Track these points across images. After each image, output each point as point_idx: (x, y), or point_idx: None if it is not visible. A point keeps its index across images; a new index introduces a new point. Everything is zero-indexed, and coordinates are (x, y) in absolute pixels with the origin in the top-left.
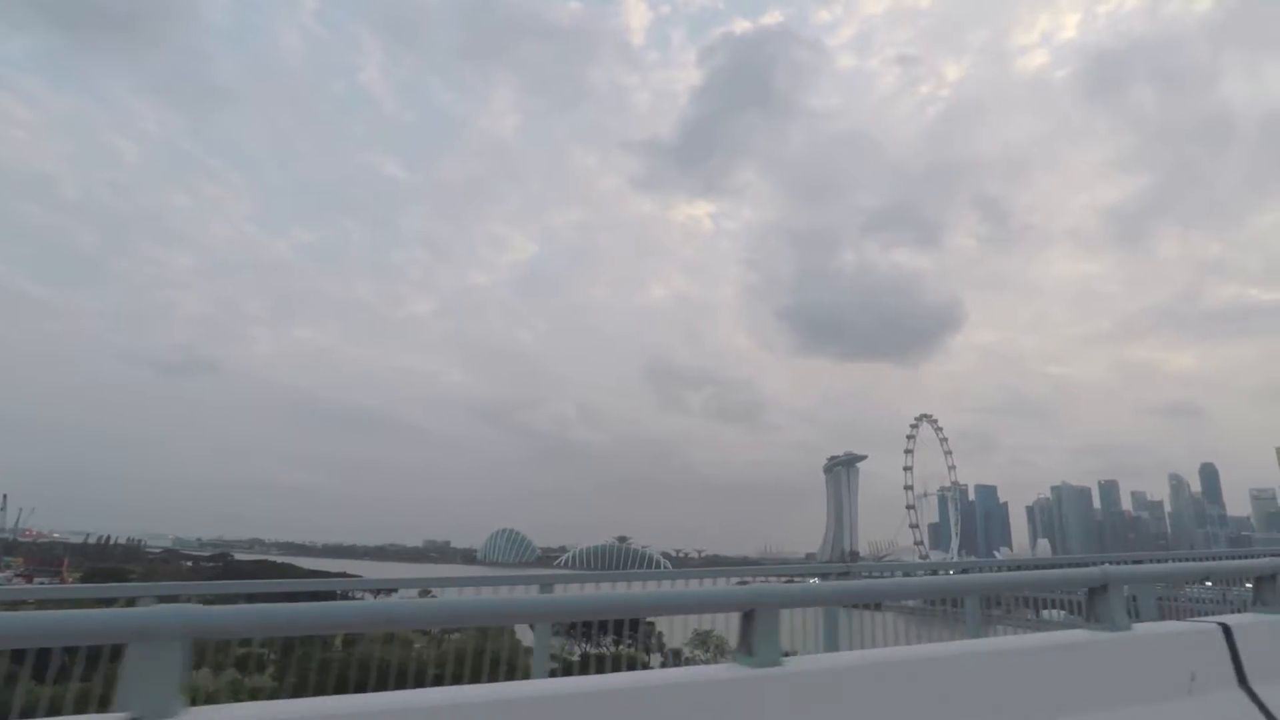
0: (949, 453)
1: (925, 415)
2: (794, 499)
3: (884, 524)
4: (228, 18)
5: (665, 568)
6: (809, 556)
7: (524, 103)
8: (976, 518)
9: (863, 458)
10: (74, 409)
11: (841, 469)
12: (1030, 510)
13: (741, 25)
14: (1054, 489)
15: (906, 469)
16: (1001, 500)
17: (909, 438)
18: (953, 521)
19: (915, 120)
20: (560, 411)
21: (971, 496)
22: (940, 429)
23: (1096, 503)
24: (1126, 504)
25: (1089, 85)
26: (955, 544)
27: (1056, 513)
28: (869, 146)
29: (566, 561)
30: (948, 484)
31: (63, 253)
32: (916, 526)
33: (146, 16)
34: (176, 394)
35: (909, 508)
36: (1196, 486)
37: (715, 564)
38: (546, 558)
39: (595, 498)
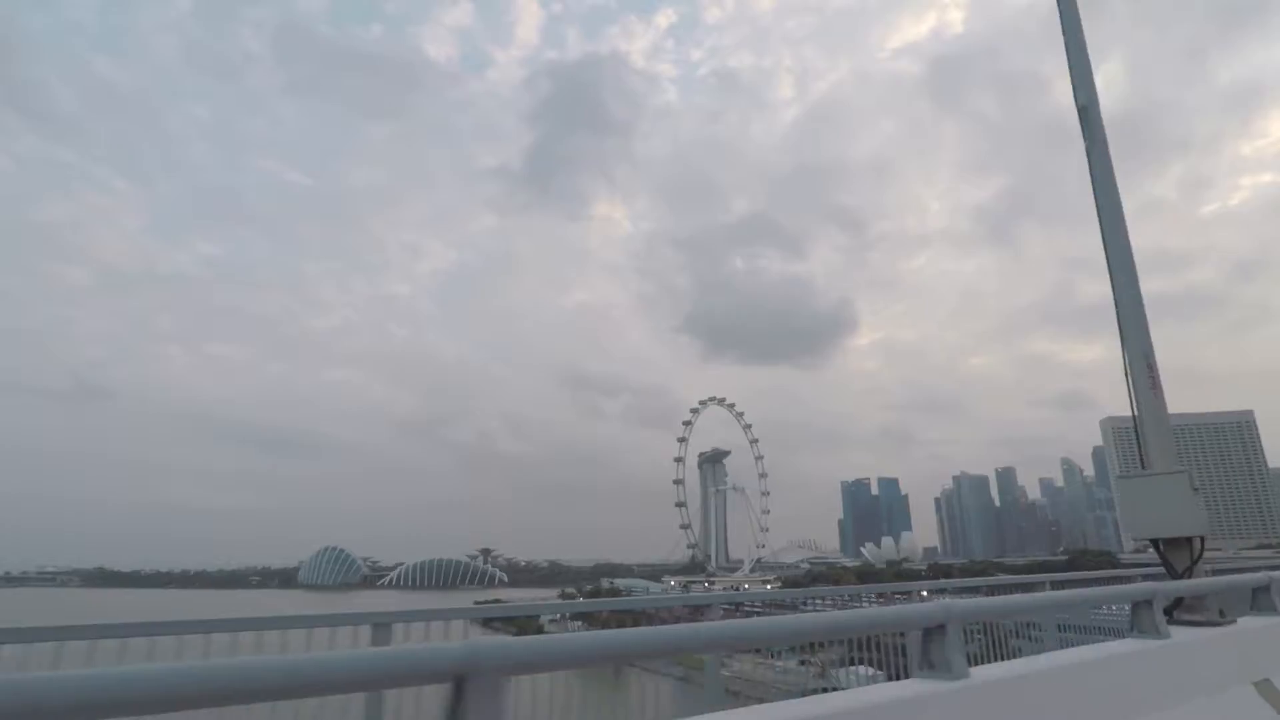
0: (755, 441)
1: (714, 398)
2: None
3: (811, 523)
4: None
5: (502, 580)
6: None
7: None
8: (880, 510)
9: (727, 453)
10: None
11: (708, 466)
12: (937, 501)
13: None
14: (955, 479)
15: (678, 460)
16: (903, 492)
17: (686, 424)
18: (714, 517)
19: (779, 126)
20: (483, 422)
21: (875, 490)
22: (741, 414)
23: (995, 492)
24: (1034, 491)
25: (936, 90)
26: (717, 546)
27: (957, 502)
28: (734, 153)
29: (393, 580)
30: (760, 473)
31: None
32: (688, 527)
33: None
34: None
35: (679, 505)
36: (1090, 471)
37: (559, 570)
38: (373, 576)
39: (521, 507)
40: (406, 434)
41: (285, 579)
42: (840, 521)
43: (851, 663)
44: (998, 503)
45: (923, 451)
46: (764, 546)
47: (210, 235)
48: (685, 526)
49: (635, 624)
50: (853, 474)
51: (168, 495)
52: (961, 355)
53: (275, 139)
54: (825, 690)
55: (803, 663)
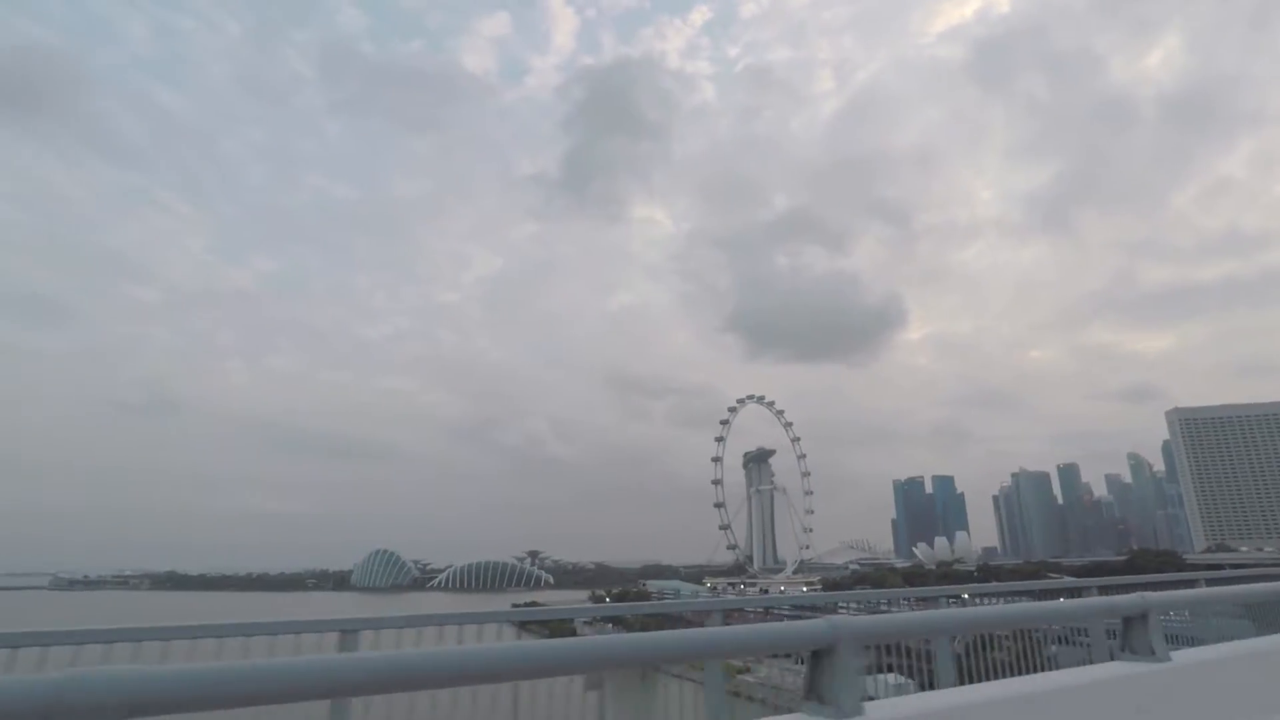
0: (796, 439)
1: (752, 396)
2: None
3: (866, 523)
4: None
5: (548, 583)
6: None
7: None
8: (935, 509)
9: (772, 453)
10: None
11: (754, 466)
12: (995, 499)
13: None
14: (1014, 476)
15: (715, 460)
16: (959, 490)
17: (724, 423)
18: (763, 518)
19: (818, 119)
20: (532, 425)
21: (929, 489)
22: (781, 412)
23: (1057, 489)
24: (1099, 488)
25: (981, 75)
26: (761, 544)
27: (1016, 500)
28: (773, 149)
29: (442, 582)
30: (803, 472)
31: (23, 291)
32: (728, 527)
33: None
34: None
35: (717, 505)
36: (1160, 466)
37: (606, 572)
38: (423, 578)
39: (571, 509)
40: (458, 438)
41: (339, 582)
42: (893, 521)
43: (881, 670)
44: (1060, 500)
45: (980, 448)
46: (808, 548)
47: (267, 252)
48: (725, 527)
49: (660, 628)
50: (906, 472)
51: (233, 502)
52: (1018, 348)
53: (324, 157)
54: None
55: None
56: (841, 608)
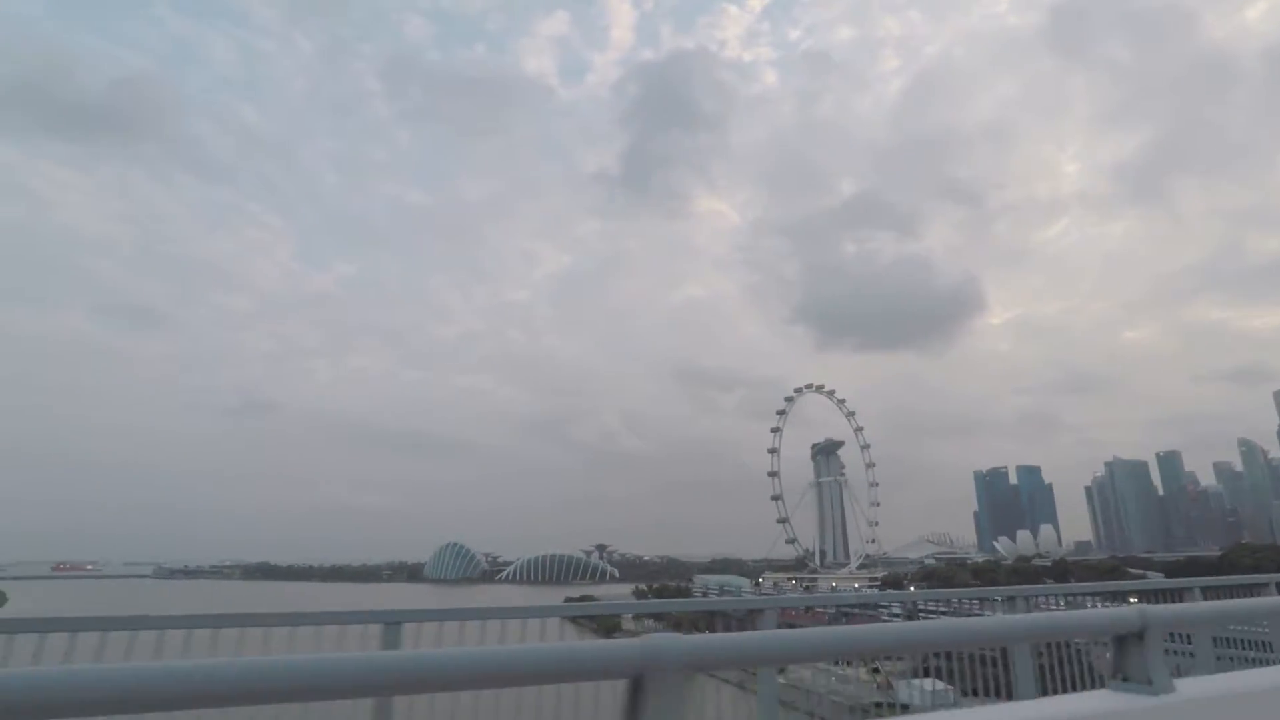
0: (859, 429)
1: (810, 385)
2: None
3: (948, 516)
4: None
5: (613, 576)
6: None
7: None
8: (1021, 500)
9: (840, 444)
10: (143, 450)
11: (822, 458)
12: (1088, 490)
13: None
14: (1107, 465)
15: (772, 451)
16: (1046, 481)
17: (780, 414)
18: (826, 511)
19: (885, 100)
20: (603, 420)
21: (1013, 479)
22: (842, 401)
23: (1157, 478)
24: (1206, 477)
25: (1058, 42)
26: (826, 537)
27: (1111, 491)
28: (838, 133)
29: (510, 575)
30: (868, 464)
31: (133, 303)
32: (786, 521)
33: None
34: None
35: (775, 498)
36: (1277, 453)
37: (675, 566)
38: (491, 571)
39: (642, 503)
40: (530, 434)
41: (413, 573)
42: (975, 514)
43: (922, 674)
44: (1161, 491)
45: (1070, 437)
46: (874, 541)
47: (346, 256)
48: (783, 521)
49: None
50: (990, 463)
51: (321, 497)
52: (1111, 329)
53: (396, 163)
54: (885, 705)
55: (875, 670)
56: (882, 607)
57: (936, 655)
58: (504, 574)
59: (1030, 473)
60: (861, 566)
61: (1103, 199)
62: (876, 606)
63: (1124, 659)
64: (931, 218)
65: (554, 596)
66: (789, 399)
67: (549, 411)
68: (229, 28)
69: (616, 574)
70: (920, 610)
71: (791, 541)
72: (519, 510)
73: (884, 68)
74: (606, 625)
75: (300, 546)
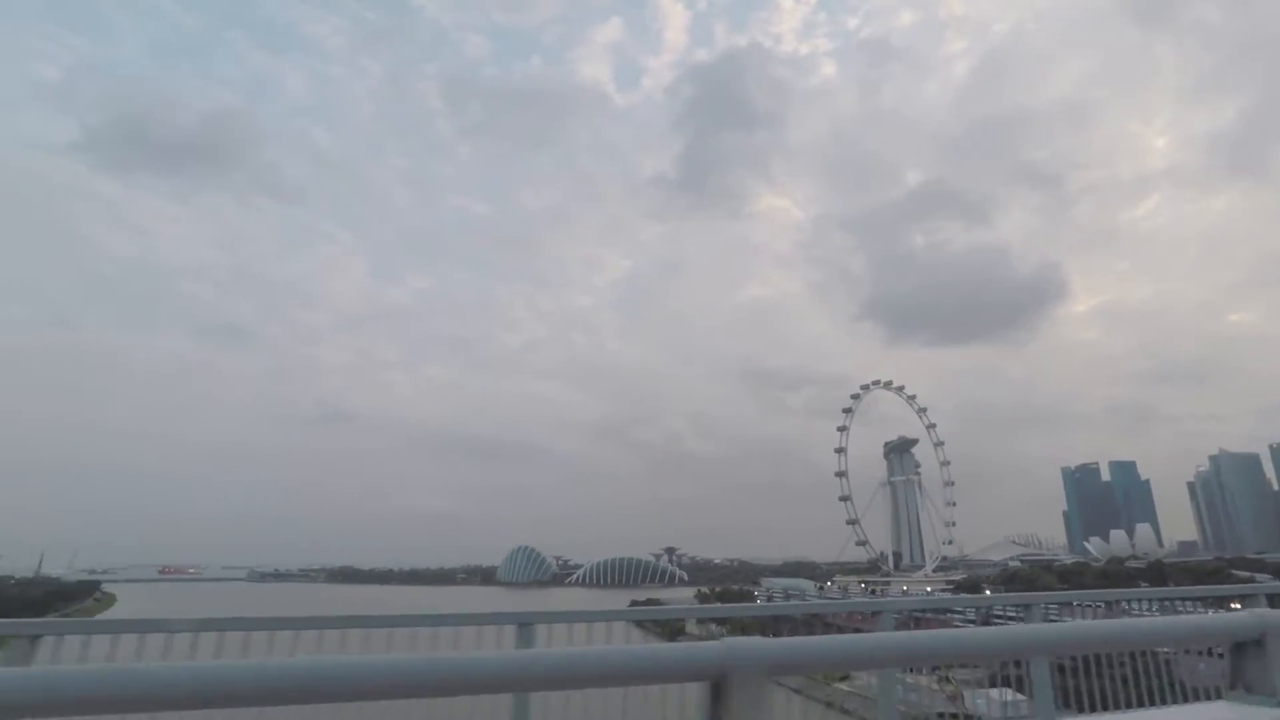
0: (931, 426)
1: (877, 382)
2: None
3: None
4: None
5: (682, 579)
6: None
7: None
8: (1115, 498)
9: (914, 442)
10: (238, 461)
11: (895, 456)
12: (1191, 486)
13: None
14: (1212, 459)
15: (839, 451)
16: (1143, 477)
17: (847, 412)
18: (901, 511)
19: (950, 84)
20: (670, 423)
21: (1105, 476)
22: (913, 398)
23: (1271, 471)
24: None
25: (1139, 9)
26: (902, 539)
27: (1217, 487)
28: (900, 122)
29: (579, 578)
30: (941, 461)
31: (225, 322)
32: (856, 522)
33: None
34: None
35: (843, 499)
36: None
37: (747, 569)
38: (561, 574)
39: (712, 506)
40: (598, 438)
41: (486, 577)
42: (1065, 513)
43: (1000, 683)
44: (1276, 485)
45: (1168, 429)
46: (950, 543)
47: (418, 270)
48: (852, 522)
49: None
50: (1079, 459)
51: (400, 503)
52: (1213, 312)
53: (461, 177)
54: (949, 716)
55: (945, 679)
56: (955, 613)
57: (1017, 664)
58: (573, 577)
59: (1124, 468)
60: (938, 569)
61: (1197, 173)
62: (947, 611)
63: (1242, 668)
64: (1005, 204)
65: (621, 600)
66: (855, 396)
67: (616, 415)
68: (302, 58)
69: (685, 577)
70: (995, 616)
71: (862, 543)
72: (588, 514)
73: (949, 50)
74: (670, 629)
75: (380, 551)
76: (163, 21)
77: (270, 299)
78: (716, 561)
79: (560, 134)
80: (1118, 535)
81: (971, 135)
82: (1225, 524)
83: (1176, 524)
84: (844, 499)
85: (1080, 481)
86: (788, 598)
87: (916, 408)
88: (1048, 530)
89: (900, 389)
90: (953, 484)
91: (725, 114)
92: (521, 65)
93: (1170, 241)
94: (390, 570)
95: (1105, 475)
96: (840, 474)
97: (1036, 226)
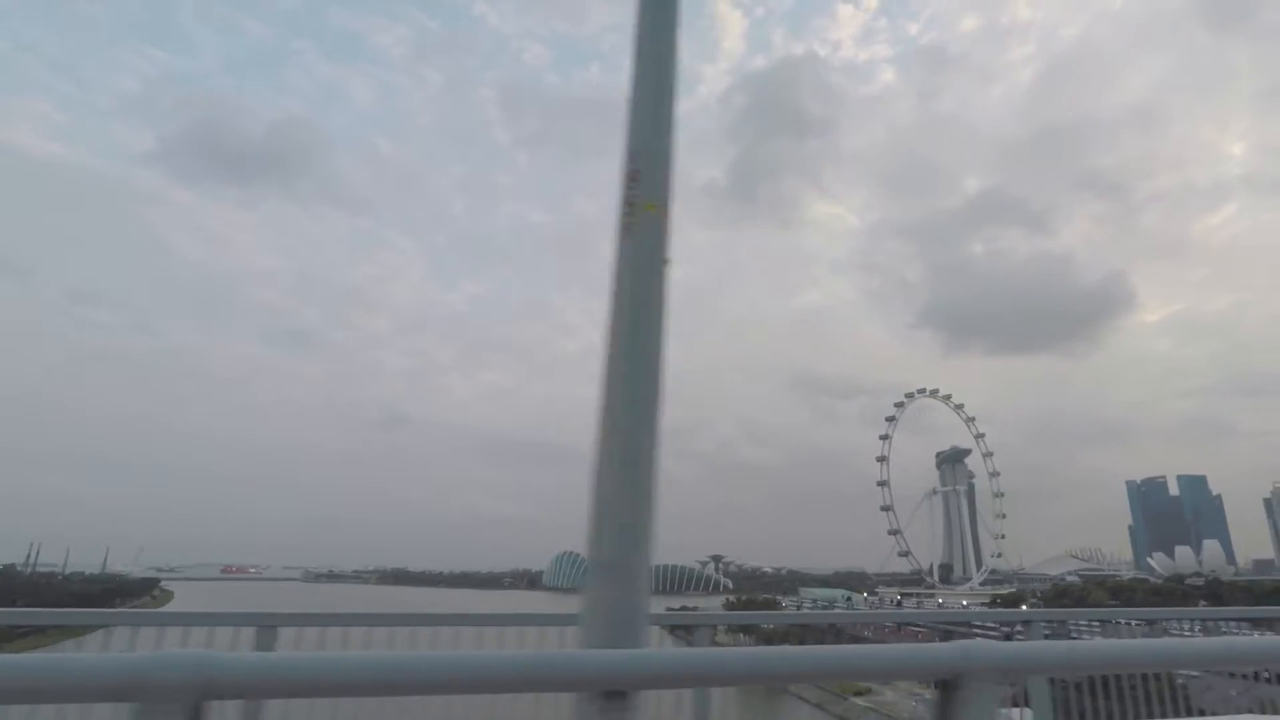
0: (979, 435)
1: (923, 390)
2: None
3: (1101, 530)
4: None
5: (726, 587)
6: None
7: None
8: (1183, 513)
9: (967, 452)
10: (304, 463)
11: (947, 467)
12: (1267, 502)
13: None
14: None
15: (881, 459)
16: (1214, 492)
17: (890, 420)
18: (952, 522)
19: (1014, 90)
20: (723, 430)
21: (1174, 490)
22: (960, 406)
23: None
24: None
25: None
26: (953, 551)
27: None
28: (961, 128)
29: None
30: (991, 473)
31: (291, 327)
32: (898, 533)
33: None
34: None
35: (885, 509)
36: None
37: (795, 578)
38: None
39: (764, 515)
40: None
41: (531, 581)
42: (1130, 528)
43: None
44: None
45: (1245, 444)
46: (999, 555)
47: (475, 276)
48: (895, 532)
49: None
50: (1149, 472)
51: (456, 506)
52: None
53: (517, 185)
54: None
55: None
56: (976, 627)
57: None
58: None
59: (1194, 483)
60: (985, 582)
61: (1276, 182)
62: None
63: None
64: (1069, 211)
65: (658, 607)
66: (899, 405)
67: (669, 421)
68: (367, 67)
69: (730, 585)
70: (1018, 632)
71: (905, 554)
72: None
73: (1013, 56)
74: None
75: (435, 553)
76: (237, 34)
77: (334, 304)
78: (766, 570)
79: (616, 142)
80: (1183, 552)
81: (1034, 142)
82: None
83: (1254, 542)
84: (885, 509)
85: (1146, 495)
86: (822, 607)
87: (964, 416)
88: (1113, 545)
89: (947, 397)
90: (1002, 495)
91: (779, 122)
92: (580, 73)
93: (1248, 250)
94: (440, 573)
95: (1173, 489)
96: (882, 483)
97: (1102, 235)
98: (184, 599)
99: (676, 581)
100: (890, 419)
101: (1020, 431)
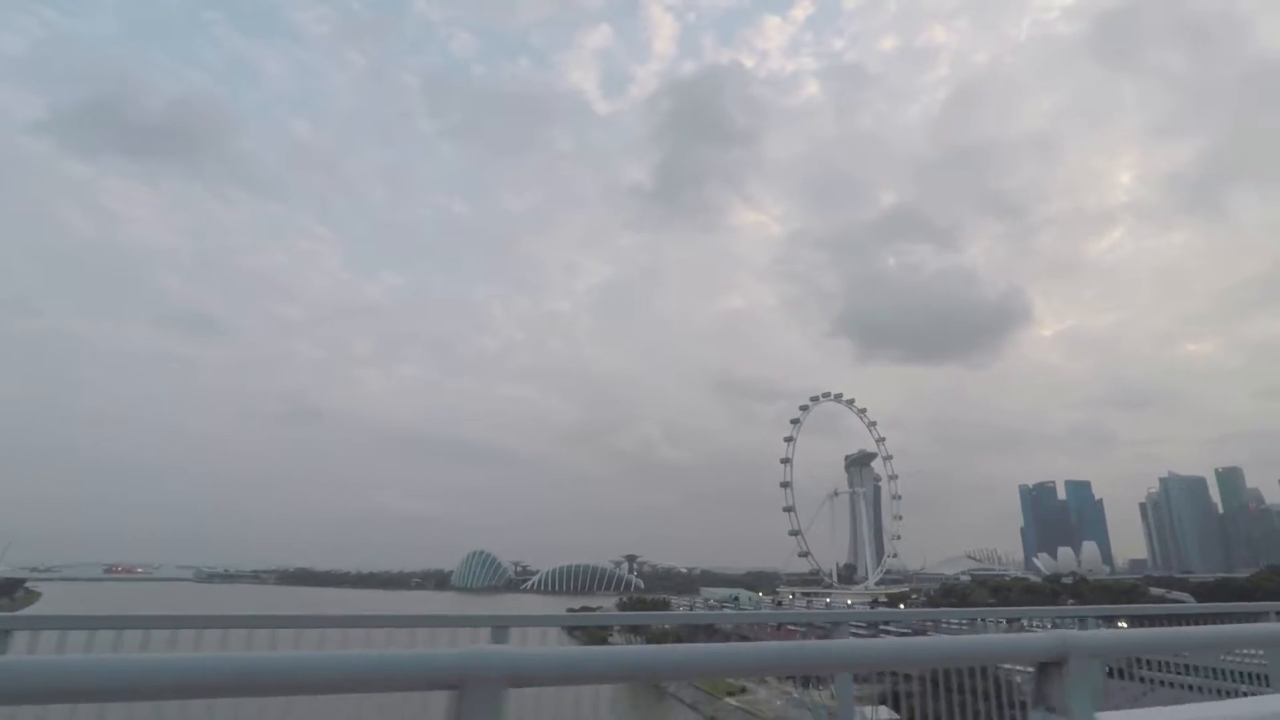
0: (881, 440)
1: (828, 394)
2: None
3: (994, 532)
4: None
5: (639, 587)
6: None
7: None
8: (1069, 517)
9: (874, 456)
10: (201, 456)
11: (855, 469)
12: (1142, 507)
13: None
14: (1162, 481)
15: (785, 461)
16: (1097, 497)
17: (794, 422)
18: (861, 525)
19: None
20: (642, 430)
21: (1061, 495)
22: (863, 411)
23: (1216, 495)
24: (1272, 494)
25: (1106, 49)
26: (857, 551)
27: (1166, 508)
28: (879, 144)
29: (535, 584)
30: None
31: (193, 311)
32: (799, 534)
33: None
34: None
35: (787, 510)
36: None
37: (708, 578)
38: (517, 580)
39: (681, 515)
40: (571, 444)
41: (440, 581)
42: (1022, 530)
43: (891, 701)
44: (1220, 508)
45: (1125, 452)
46: (895, 555)
47: (394, 267)
48: (795, 533)
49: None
50: (1041, 478)
51: (366, 504)
52: (1169, 342)
53: (441, 176)
54: None
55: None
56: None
57: (907, 679)
58: (529, 583)
59: (1079, 488)
60: (881, 582)
61: (1157, 210)
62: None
63: (1045, 687)
64: (974, 230)
65: (563, 606)
66: (803, 408)
67: (589, 421)
68: (284, 45)
69: (642, 585)
70: (884, 630)
71: (804, 555)
72: (557, 519)
73: (929, 77)
74: (597, 637)
75: (341, 552)
76: None
77: (242, 291)
78: (680, 570)
79: (543, 138)
80: (1064, 552)
81: (945, 162)
82: (1173, 544)
83: (1129, 543)
84: (788, 510)
85: (1037, 499)
86: (722, 607)
87: (867, 421)
88: (1007, 546)
89: (851, 402)
90: (900, 498)
91: (704, 128)
92: (508, 66)
93: (1132, 273)
94: (346, 573)
95: (1061, 494)
96: (785, 484)
97: (1004, 253)
98: (53, 601)
99: (586, 582)
100: (795, 421)
101: (926, 437)
